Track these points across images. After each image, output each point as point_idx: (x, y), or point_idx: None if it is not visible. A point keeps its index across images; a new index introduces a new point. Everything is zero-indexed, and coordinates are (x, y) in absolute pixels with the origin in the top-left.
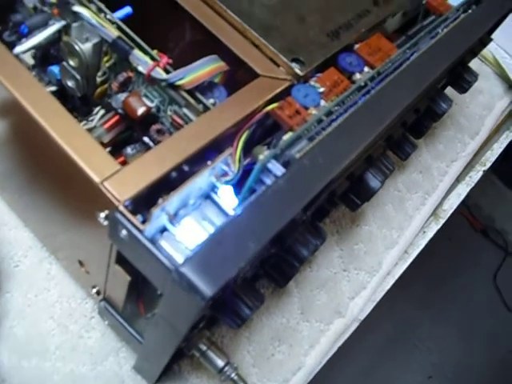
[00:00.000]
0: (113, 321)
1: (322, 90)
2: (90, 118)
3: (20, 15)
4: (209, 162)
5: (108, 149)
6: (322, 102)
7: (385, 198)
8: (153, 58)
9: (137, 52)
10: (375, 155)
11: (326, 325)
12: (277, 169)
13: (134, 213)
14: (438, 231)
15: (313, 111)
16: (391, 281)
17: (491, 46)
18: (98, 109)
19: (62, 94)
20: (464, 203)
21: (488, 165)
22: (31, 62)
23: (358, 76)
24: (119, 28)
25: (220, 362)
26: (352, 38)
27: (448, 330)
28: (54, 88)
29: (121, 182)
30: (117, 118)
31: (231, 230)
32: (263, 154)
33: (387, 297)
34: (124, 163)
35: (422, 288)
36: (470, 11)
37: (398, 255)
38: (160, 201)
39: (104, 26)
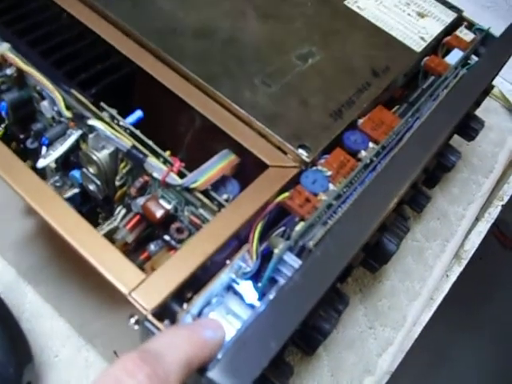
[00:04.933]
0: None
1: (329, 173)
2: (114, 218)
3: (40, 124)
4: (227, 262)
5: (132, 245)
6: (331, 186)
7: (404, 251)
8: (166, 161)
9: (151, 159)
10: (388, 221)
11: None
12: (292, 260)
13: (161, 318)
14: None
15: (322, 197)
16: (418, 329)
17: (497, 81)
18: (119, 209)
19: (85, 195)
20: None
21: (506, 199)
22: (53, 165)
23: (363, 153)
24: (132, 134)
25: None
26: (355, 114)
27: (486, 351)
28: (77, 190)
29: (147, 291)
30: (138, 217)
31: (253, 330)
32: (278, 247)
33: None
34: (148, 258)
35: (457, 311)
36: (470, 63)
37: (422, 306)
38: (185, 306)
39: (118, 136)
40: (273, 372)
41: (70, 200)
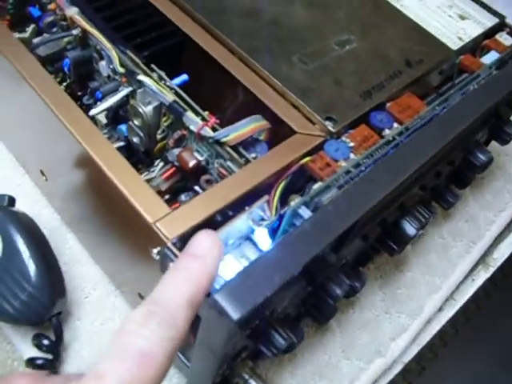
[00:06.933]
0: None
1: (352, 144)
2: (152, 169)
3: (97, 82)
4: (247, 208)
5: (167, 196)
6: (352, 156)
7: (429, 246)
8: (204, 119)
9: (189, 114)
10: (409, 203)
11: (366, 363)
12: (306, 214)
13: (181, 249)
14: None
15: (342, 163)
16: (437, 326)
17: None
18: (158, 161)
19: (129, 149)
20: None
21: None
22: (104, 120)
23: (387, 131)
24: (176, 93)
25: None
26: (383, 97)
27: None
28: (122, 143)
29: (170, 223)
30: (173, 169)
31: (260, 265)
32: (295, 201)
33: (452, 351)
34: None
35: (495, 342)
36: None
37: (441, 300)
38: None
39: (162, 91)
40: (282, 326)
41: None
